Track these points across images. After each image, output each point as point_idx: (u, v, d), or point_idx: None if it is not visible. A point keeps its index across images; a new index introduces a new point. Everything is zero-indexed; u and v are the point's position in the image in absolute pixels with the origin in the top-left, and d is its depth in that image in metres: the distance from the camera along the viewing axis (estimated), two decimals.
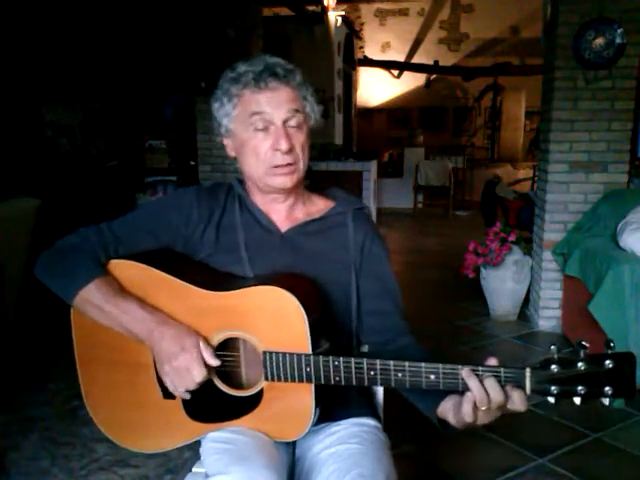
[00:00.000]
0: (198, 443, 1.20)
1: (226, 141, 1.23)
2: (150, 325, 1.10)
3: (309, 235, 1.22)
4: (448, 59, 9.96)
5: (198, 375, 1.05)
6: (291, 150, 1.14)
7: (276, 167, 1.15)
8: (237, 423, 1.12)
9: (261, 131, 1.14)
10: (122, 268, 1.18)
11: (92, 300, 1.12)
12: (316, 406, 1.07)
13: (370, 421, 1.22)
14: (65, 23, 5.07)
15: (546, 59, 3.65)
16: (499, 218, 5.34)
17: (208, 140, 4.56)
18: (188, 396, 1.09)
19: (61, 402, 2.66)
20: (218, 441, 1.11)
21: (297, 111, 1.15)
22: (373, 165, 7.44)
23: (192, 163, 5.21)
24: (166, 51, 5.69)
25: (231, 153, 1.24)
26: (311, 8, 7.32)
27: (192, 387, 1.07)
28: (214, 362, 1.07)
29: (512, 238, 3.70)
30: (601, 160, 3.44)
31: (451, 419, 1.00)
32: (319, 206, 1.27)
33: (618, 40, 3.22)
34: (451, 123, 10.50)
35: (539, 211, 3.76)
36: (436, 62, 9.81)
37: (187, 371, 1.05)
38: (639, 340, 2.57)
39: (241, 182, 1.28)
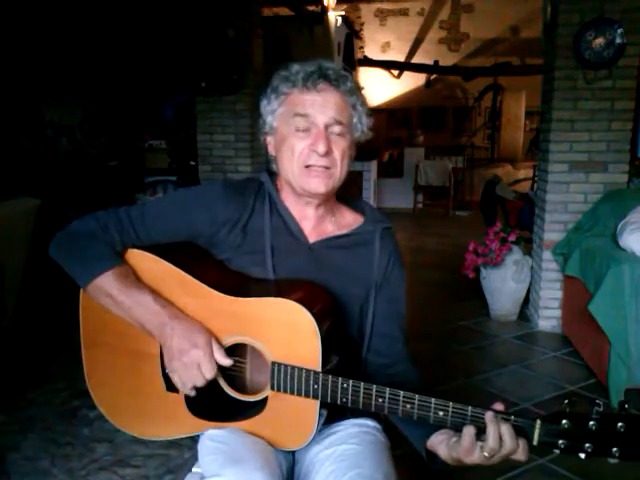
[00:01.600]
0: (197, 441, 1.19)
1: (269, 139, 1.22)
2: (162, 319, 1.09)
3: (336, 249, 1.21)
4: (448, 59, 9.95)
5: (208, 372, 1.05)
6: (328, 154, 1.12)
7: (309, 167, 1.13)
8: (238, 426, 1.12)
9: (302, 131, 1.13)
10: (138, 259, 1.17)
11: (106, 289, 1.12)
12: (319, 421, 1.07)
13: (370, 422, 1.22)
14: (65, 23, 5.07)
15: (546, 59, 3.65)
16: (499, 218, 5.34)
17: (208, 140, 4.55)
18: (194, 393, 1.09)
19: (61, 402, 2.66)
20: (214, 440, 1.11)
21: (340, 123, 1.13)
22: (373, 165, 7.45)
23: (192, 163, 5.21)
24: (166, 51, 5.69)
25: (272, 152, 1.22)
26: (311, 8, 7.30)
27: (200, 384, 1.07)
28: (226, 361, 1.07)
29: (512, 238, 3.70)
30: (601, 160, 3.44)
31: (441, 453, 0.99)
32: (348, 220, 1.26)
33: (618, 40, 3.22)
34: (451, 123, 10.49)
35: (539, 211, 3.76)
36: (436, 62, 9.80)
37: (197, 368, 1.05)
38: (639, 340, 2.57)
39: (271, 176, 1.24)
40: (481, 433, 0.92)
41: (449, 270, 4.89)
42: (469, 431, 0.91)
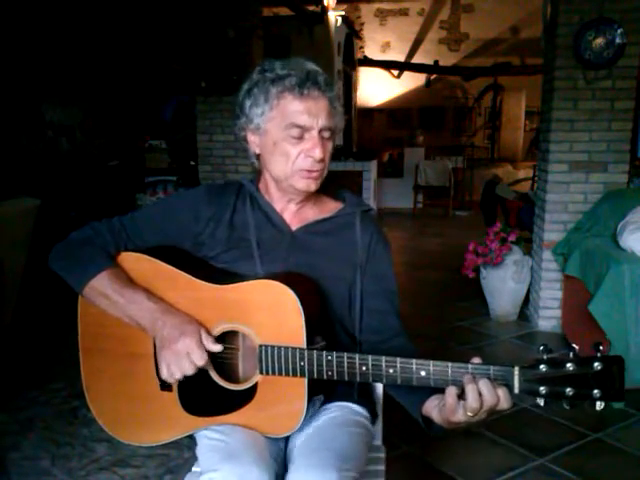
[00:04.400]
0: (196, 442, 1.20)
1: (253, 137, 1.25)
2: (154, 314, 1.13)
3: (318, 234, 1.26)
4: (448, 59, 9.96)
5: (198, 359, 1.07)
6: (322, 159, 1.18)
7: (303, 170, 1.18)
8: (230, 417, 1.14)
9: (296, 138, 1.17)
10: (130, 260, 1.23)
11: (101, 290, 1.17)
12: (308, 404, 1.08)
13: (356, 407, 1.24)
14: (65, 23, 5.07)
15: (546, 59, 3.65)
16: (499, 218, 5.34)
17: (208, 140, 4.56)
18: (180, 379, 1.11)
19: (61, 402, 2.67)
20: (210, 437, 1.13)
21: (330, 129, 1.19)
22: (373, 165, 7.43)
23: (192, 163, 5.21)
24: (166, 51, 5.70)
25: (255, 149, 1.26)
26: (311, 8, 7.31)
27: (189, 372, 1.08)
28: (215, 347, 1.09)
29: (512, 238, 3.70)
30: (601, 160, 3.44)
31: (435, 416, 1.02)
32: (329, 206, 1.31)
33: (618, 40, 3.22)
34: (451, 123, 10.50)
35: (539, 211, 3.76)
36: (436, 62, 9.81)
37: (187, 355, 1.08)
38: (639, 340, 2.57)
39: (252, 181, 1.31)
40: (463, 392, 0.94)
41: (449, 270, 4.89)
42: (451, 391, 0.95)
